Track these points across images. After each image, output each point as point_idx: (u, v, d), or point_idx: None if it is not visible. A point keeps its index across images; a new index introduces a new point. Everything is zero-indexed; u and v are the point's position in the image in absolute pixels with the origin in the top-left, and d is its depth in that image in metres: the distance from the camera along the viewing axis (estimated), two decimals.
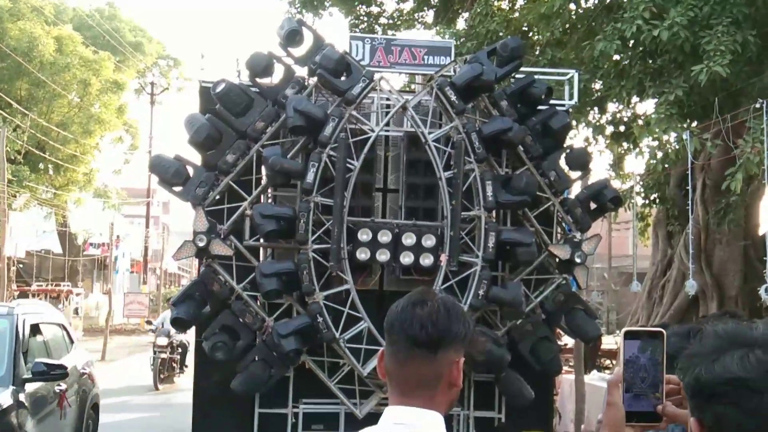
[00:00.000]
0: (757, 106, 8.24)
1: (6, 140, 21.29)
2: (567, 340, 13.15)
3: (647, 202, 17.64)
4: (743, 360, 1.41)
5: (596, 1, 13.36)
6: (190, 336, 17.97)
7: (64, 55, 27.46)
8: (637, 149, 11.68)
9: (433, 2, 20.21)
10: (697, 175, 15.80)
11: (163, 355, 17.65)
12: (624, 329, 1.77)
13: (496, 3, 15.35)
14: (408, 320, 1.97)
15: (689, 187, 10.18)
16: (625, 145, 15.85)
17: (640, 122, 12.20)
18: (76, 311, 30.99)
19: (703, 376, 1.44)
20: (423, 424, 1.97)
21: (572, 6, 12.88)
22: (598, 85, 12.88)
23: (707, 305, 15.56)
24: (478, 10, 13.68)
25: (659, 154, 11.34)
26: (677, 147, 10.52)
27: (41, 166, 28.50)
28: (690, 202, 9.92)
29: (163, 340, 17.76)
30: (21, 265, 30.44)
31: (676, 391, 1.72)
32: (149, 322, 25.12)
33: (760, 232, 16.17)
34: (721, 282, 15.58)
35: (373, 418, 8.23)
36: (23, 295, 28.82)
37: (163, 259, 46.66)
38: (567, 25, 13.99)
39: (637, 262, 29.60)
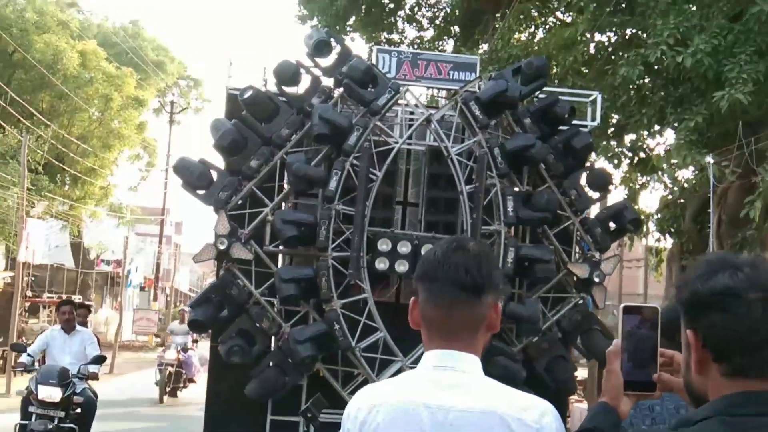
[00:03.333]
0: None
1: (28, 150, 21.48)
2: (578, 373, 13.09)
3: (660, 237, 17.59)
4: (733, 276, 1.61)
5: (617, 33, 13.49)
6: (200, 348, 18.20)
7: (88, 70, 27.81)
8: (656, 176, 11.68)
9: (453, 32, 20.43)
10: (713, 209, 15.81)
11: (170, 369, 17.34)
12: (622, 305, 1.91)
13: (516, 35, 15.52)
14: (452, 266, 2.01)
15: (710, 213, 10.10)
16: (640, 179, 15.90)
17: (661, 150, 12.22)
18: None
19: (699, 290, 1.62)
20: (463, 366, 2.01)
21: (595, 36, 13.00)
22: (615, 119, 12.96)
23: None
24: (498, 40, 13.84)
25: (680, 177, 11.33)
26: (696, 175, 10.53)
27: (59, 177, 28.74)
28: (711, 224, 9.88)
29: (172, 354, 17.49)
30: (33, 278, 30.52)
31: (669, 363, 1.91)
32: (157, 335, 25.28)
33: None
34: None
35: None
36: (34, 306, 28.90)
37: (174, 278, 46.74)
38: (586, 56, 14.14)
39: (648, 300, 29.37)
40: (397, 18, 21.86)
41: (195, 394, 16.56)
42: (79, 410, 8.99)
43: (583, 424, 1.95)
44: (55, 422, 8.65)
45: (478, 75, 8.24)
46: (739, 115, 9.60)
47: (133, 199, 39.12)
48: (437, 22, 22.34)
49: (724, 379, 1.60)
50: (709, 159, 8.82)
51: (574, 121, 8.38)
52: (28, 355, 9.21)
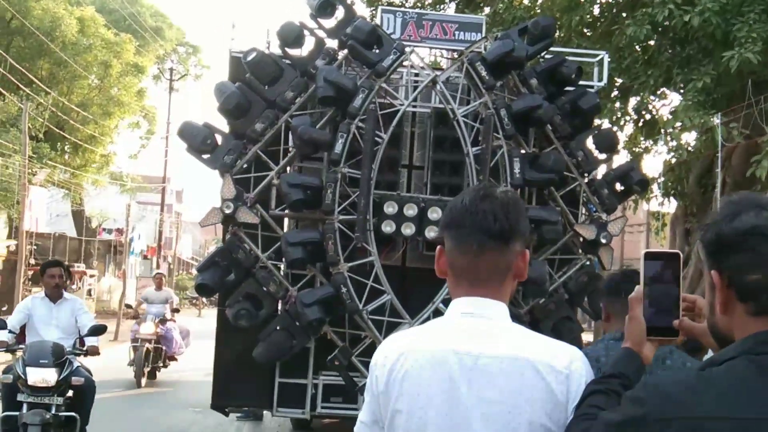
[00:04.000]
0: None
1: (28, 117, 21.37)
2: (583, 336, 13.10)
3: (663, 201, 17.54)
4: (758, 215, 1.60)
5: None
6: (183, 320, 16.45)
7: (86, 36, 27.52)
8: (662, 137, 11.57)
9: None
10: (715, 174, 15.74)
11: (148, 345, 13.97)
12: (644, 251, 1.90)
13: None
14: (480, 213, 1.98)
15: (717, 174, 10.03)
16: (644, 143, 15.82)
17: (666, 113, 12.12)
18: (89, 293, 31.14)
19: (723, 231, 1.61)
20: (491, 313, 2.00)
21: None
22: (619, 82, 12.84)
23: None
24: (501, 2, 13.68)
25: (684, 140, 11.25)
26: (700, 138, 10.47)
27: (59, 145, 28.63)
28: (718, 185, 9.83)
29: (148, 328, 14.17)
30: (36, 246, 30.58)
31: (692, 308, 1.92)
32: (128, 306, 21.67)
33: None
34: None
35: None
36: (36, 275, 28.95)
37: (176, 246, 46.89)
38: (590, 17, 13.98)
39: None
40: None
41: (176, 374, 15.31)
42: (72, 394, 7.29)
43: (606, 369, 1.94)
44: (53, 411, 7.01)
45: (483, 35, 8.13)
46: (746, 75, 9.51)
47: (134, 167, 39.12)
48: None
49: (749, 318, 1.59)
50: (717, 119, 8.74)
51: (580, 82, 8.31)
52: (10, 331, 7.48)
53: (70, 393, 7.23)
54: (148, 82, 36.77)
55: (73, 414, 7.18)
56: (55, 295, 7.74)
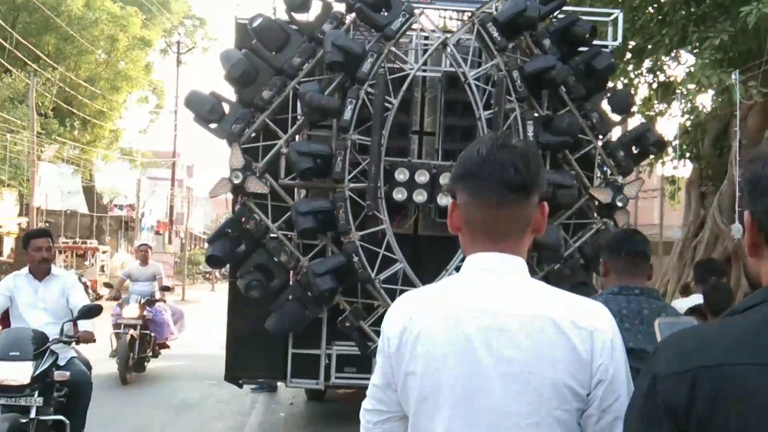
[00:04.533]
0: None
1: (36, 93, 21.27)
2: None
3: (677, 165, 17.30)
4: None
5: None
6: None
7: (92, 11, 27.34)
8: (680, 96, 11.33)
9: None
10: (732, 134, 15.51)
11: (133, 332, 11.51)
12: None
13: None
14: (499, 163, 1.85)
15: (737, 132, 9.79)
16: (658, 106, 15.56)
17: (681, 74, 11.87)
18: (102, 269, 31.22)
19: (759, 172, 1.53)
20: (510, 269, 1.88)
21: None
22: (632, 44, 12.58)
23: (739, 266, 15.31)
24: None
25: (700, 102, 11.01)
26: (715, 98, 10.23)
27: (68, 121, 28.57)
28: (735, 143, 9.63)
29: (132, 311, 11.75)
30: (47, 224, 30.62)
31: None
32: (108, 285, 18.74)
33: None
34: None
35: None
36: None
37: (187, 221, 46.91)
38: None
39: (664, 230, 29.27)
40: None
41: (168, 364, 13.04)
42: (65, 391, 6.28)
43: None
44: (32, 414, 5.80)
45: None
46: (763, 32, 9.27)
47: (144, 142, 39.12)
48: None
49: None
50: (735, 76, 8.52)
51: (594, 42, 8.10)
52: None
53: (62, 391, 6.24)
54: (155, 56, 36.64)
55: (60, 418, 6.07)
56: (41, 271, 6.54)
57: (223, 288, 29.16)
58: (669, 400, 1.40)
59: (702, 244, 16.56)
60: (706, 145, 16.20)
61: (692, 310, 5.77)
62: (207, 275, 44.64)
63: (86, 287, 18.77)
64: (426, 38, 7.91)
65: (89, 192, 34.95)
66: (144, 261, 12.79)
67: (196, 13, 44.50)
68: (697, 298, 6.59)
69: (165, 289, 12.76)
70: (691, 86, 10.14)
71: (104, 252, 33.18)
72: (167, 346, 12.88)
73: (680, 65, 13.11)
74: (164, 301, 12.84)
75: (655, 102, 15.08)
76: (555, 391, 1.76)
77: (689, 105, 13.35)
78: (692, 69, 10.14)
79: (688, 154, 16.20)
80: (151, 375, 12.50)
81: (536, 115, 7.74)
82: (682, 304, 6.71)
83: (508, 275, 1.87)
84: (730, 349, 1.40)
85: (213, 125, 7.70)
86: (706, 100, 16.06)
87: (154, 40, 33.25)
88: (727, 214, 15.64)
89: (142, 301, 11.98)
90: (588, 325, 1.79)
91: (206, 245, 9.57)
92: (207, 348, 14.39)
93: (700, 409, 1.36)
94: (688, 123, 15.75)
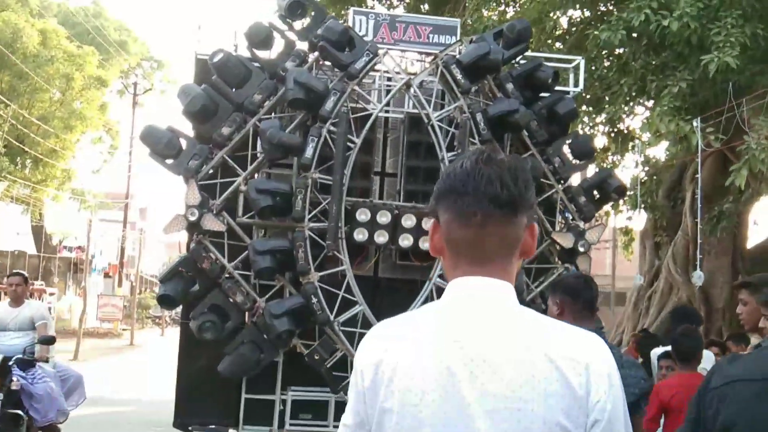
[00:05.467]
0: None
1: None
2: None
3: (630, 216, 17.48)
4: None
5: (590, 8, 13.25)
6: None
7: (48, 49, 26.99)
8: (639, 145, 11.43)
9: (423, 10, 20.12)
10: (686, 185, 15.76)
11: None
12: None
13: (486, 13, 15.23)
14: (484, 178, 1.69)
15: (698, 179, 9.86)
16: (611, 158, 15.77)
17: (638, 125, 12.04)
18: (49, 311, 30.34)
19: None
20: (497, 295, 1.71)
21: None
22: (588, 96, 12.76)
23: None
24: (469, 17, 13.56)
25: (652, 155, 11.13)
26: (675, 146, 10.36)
27: (19, 159, 27.96)
28: (699, 190, 9.71)
29: None
30: None
31: None
32: None
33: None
34: (709, 294, 15.47)
35: None
36: None
37: (139, 264, 45.99)
38: (560, 30, 13.94)
39: (615, 282, 29.48)
40: None
41: (112, 410, 13.04)
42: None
43: None
44: None
45: (458, 39, 7.92)
46: (720, 82, 9.43)
47: (96, 183, 38.41)
48: (407, 0, 22.04)
49: None
50: (697, 123, 8.62)
51: (556, 88, 8.13)
52: None
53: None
54: (112, 97, 36.26)
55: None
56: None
57: (173, 332, 28.47)
58: None
59: (657, 293, 16.67)
60: (660, 195, 16.42)
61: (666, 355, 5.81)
62: (157, 319, 43.72)
63: None
64: (389, 79, 7.85)
65: (38, 232, 34.11)
66: (16, 300, 8.50)
67: (154, 55, 44.18)
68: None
69: (46, 341, 8.22)
70: (646, 135, 10.26)
71: (51, 294, 32.25)
72: (56, 430, 8.35)
73: (636, 116, 13.29)
74: (47, 359, 8.41)
75: (610, 153, 15.28)
76: (546, 431, 1.59)
77: (643, 156, 13.54)
78: (648, 119, 10.26)
79: (642, 205, 16.38)
80: (92, 421, 11.92)
81: None
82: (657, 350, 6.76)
83: (494, 302, 1.70)
84: (740, 369, 1.86)
85: (169, 161, 7.49)
86: (660, 151, 16.35)
87: (111, 81, 32.91)
88: (681, 264, 15.80)
89: (11, 362, 7.77)
90: (583, 357, 1.63)
91: (156, 289, 9.20)
92: (154, 394, 13.93)
93: None
94: (642, 174, 15.97)
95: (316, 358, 7.21)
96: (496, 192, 1.68)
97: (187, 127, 7.76)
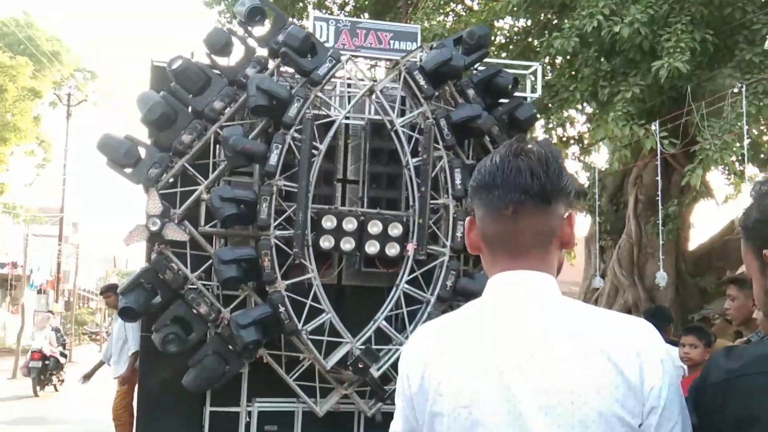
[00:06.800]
0: (735, 90, 8.31)
1: None
2: None
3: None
4: None
5: (533, 19, 13.45)
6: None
7: None
8: (595, 148, 11.64)
9: (363, 18, 20.16)
10: (629, 190, 16.10)
11: None
12: None
13: (426, 24, 15.34)
14: (513, 170, 1.68)
15: (658, 181, 10.07)
16: (569, 153, 15.98)
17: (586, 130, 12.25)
18: None
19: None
20: (539, 287, 1.69)
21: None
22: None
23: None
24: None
25: (591, 161, 11.34)
26: (623, 150, 10.56)
27: None
28: (659, 193, 9.90)
29: None
30: None
31: None
32: None
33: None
34: (654, 296, 15.81)
35: (332, 416, 7.79)
36: None
37: (75, 279, 44.76)
38: (503, 39, 14.11)
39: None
40: (308, 3, 21.48)
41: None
42: None
43: None
44: None
45: (419, 45, 7.93)
46: (668, 89, 9.65)
47: (29, 197, 37.34)
48: (347, 9, 22.07)
49: None
50: (655, 126, 8.80)
51: (516, 93, 8.21)
52: None
53: None
54: (44, 109, 35.28)
55: None
56: None
57: None
58: None
59: (603, 296, 16.97)
60: (604, 200, 16.73)
61: None
62: (93, 336, 42.68)
63: None
64: (349, 86, 7.81)
65: None
66: None
67: (86, 67, 43.14)
68: None
69: None
70: (598, 141, 10.44)
71: None
72: None
73: (586, 123, 13.53)
74: None
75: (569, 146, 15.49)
76: (602, 423, 1.56)
77: (582, 163, 13.75)
78: (599, 121, 10.44)
79: (587, 210, 16.68)
80: None
81: (464, 162, 7.71)
82: None
83: (536, 294, 1.68)
84: (747, 364, 1.64)
85: (128, 170, 7.31)
86: (601, 159, 16.67)
87: (44, 92, 32.02)
88: (626, 266, 16.13)
89: None
90: (634, 344, 1.61)
91: (92, 305, 8.95)
92: (98, 411, 13.55)
93: None
94: (585, 180, 16.25)
95: (361, 367, 7.08)
96: (526, 183, 1.67)
97: (141, 135, 7.58)
